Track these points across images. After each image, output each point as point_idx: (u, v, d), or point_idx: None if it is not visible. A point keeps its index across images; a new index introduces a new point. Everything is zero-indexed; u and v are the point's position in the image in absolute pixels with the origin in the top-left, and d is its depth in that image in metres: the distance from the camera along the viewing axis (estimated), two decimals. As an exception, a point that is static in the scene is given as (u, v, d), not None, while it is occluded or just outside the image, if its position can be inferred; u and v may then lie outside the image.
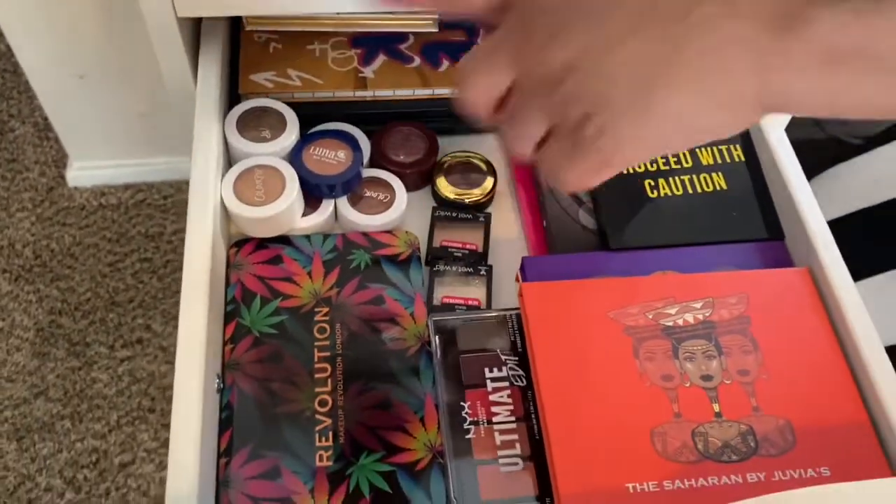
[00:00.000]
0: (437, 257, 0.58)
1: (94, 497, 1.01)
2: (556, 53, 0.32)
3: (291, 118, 0.60)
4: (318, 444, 0.49)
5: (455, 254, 0.59)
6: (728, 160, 0.61)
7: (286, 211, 0.55)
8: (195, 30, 0.61)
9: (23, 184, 1.24)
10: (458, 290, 0.57)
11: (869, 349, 0.50)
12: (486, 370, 0.52)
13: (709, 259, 0.56)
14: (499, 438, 0.49)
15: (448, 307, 0.56)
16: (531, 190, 0.61)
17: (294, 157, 0.58)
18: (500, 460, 0.49)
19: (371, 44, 0.65)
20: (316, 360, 0.52)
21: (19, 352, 1.10)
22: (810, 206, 0.57)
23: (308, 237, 0.57)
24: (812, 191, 0.58)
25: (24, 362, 1.09)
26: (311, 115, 0.61)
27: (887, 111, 0.31)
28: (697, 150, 0.61)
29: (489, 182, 0.62)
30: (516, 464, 0.49)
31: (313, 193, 0.58)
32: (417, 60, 0.64)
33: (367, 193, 0.60)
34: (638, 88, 0.31)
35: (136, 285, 1.16)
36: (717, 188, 0.59)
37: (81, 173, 1.22)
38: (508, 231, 0.61)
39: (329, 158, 0.59)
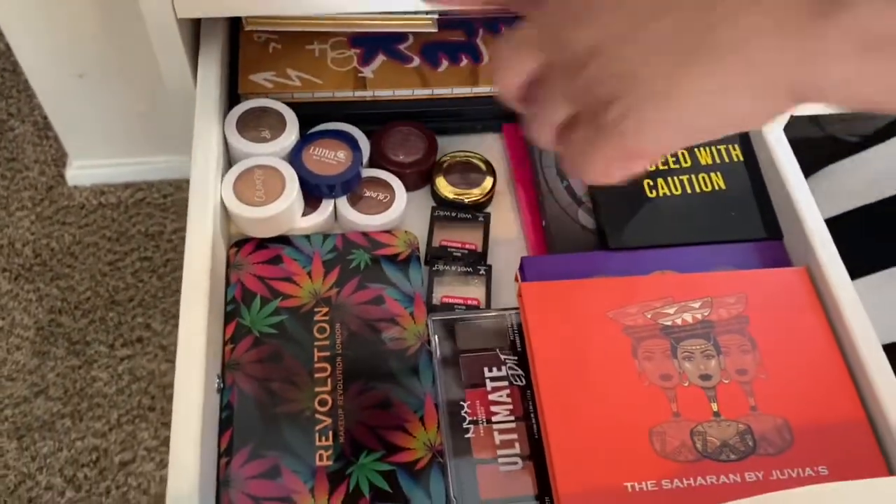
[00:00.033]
0: (437, 257, 0.58)
1: (94, 495, 1.01)
2: (580, 35, 0.31)
3: (291, 118, 0.60)
4: (318, 443, 0.49)
5: (454, 253, 0.59)
6: (727, 160, 0.61)
7: (286, 211, 0.55)
8: (195, 30, 0.61)
9: (22, 183, 1.24)
10: (457, 289, 0.57)
11: (867, 348, 0.50)
12: (486, 370, 0.52)
13: (707, 259, 0.56)
14: (498, 438, 0.49)
15: (447, 307, 0.56)
16: (530, 190, 0.62)
17: (294, 158, 0.58)
18: (500, 460, 0.49)
19: (370, 44, 0.65)
20: (316, 359, 0.52)
21: (19, 350, 1.10)
22: (808, 205, 0.57)
23: (308, 237, 0.58)
24: (809, 189, 0.58)
25: (24, 361, 1.09)
26: (311, 115, 0.61)
27: None
28: (696, 149, 0.61)
29: (488, 182, 0.62)
30: (515, 463, 0.49)
31: (313, 193, 0.58)
32: (417, 60, 0.64)
33: (367, 193, 0.60)
34: (664, 71, 0.30)
35: (136, 284, 1.16)
36: (716, 188, 0.59)
37: (81, 172, 1.22)
38: (508, 231, 0.61)
39: (329, 158, 0.59)
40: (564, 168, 0.35)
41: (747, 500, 0.34)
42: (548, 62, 0.33)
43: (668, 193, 0.59)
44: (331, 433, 0.49)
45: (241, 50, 0.64)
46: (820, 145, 1.12)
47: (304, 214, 0.58)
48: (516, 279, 0.54)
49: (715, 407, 0.48)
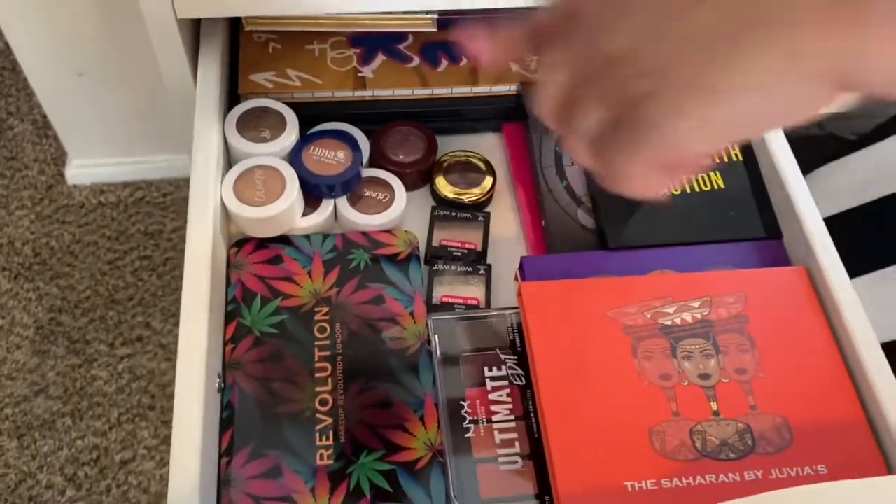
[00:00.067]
0: (437, 256, 0.58)
1: (94, 494, 1.01)
2: (613, 41, 0.30)
3: (291, 118, 0.60)
4: (318, 443, 0.49)
5: (454, 253, 0.59)
6: (726, 159, 0.61)
7: (286, 211, 0.55)
8: (195, 30, 0.61)
9: (22, 182, 1.24)
10: (457, 289, 0.57)
11: (866, 347, 0.50)
12: (486, 369, 0.52)
13: (707, 258, 0.56)
14: (498, 437, 0.50)
15: (447, 306, 0.56)
16: (530, 189, 0.62)
17: (294, 158, 0.58)
18: (500, 459, 0.49)
19: (370, 44, 0.65)
20: (316, 359, 0.52)
21: (19, 350, 1.10)
22: (807, 205, 0.57)
23: (308, 237, 0.58)
24: (809, 187, 0.58)
25: (24, 360, 1.09)
26: (311, 115, 0.61)
27: None
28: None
29: (488, 181, 0.62)
30: (515, 462, 0.49)
31: (313, 193, 0.58)
32: (416, 60, 0.64)
33: (367, 193, 0.60)
34: (701, 65, 0.29)
35: (136, 283, 1.16)
36: (716, 187, 0.59)
37: (80, 171, 1.22)
38: (507, 230, 0.62)
39: (329, 158, 0.59)
40: (604, 183, 0.34)
41: (747, 500, 0.34)
42: (579, 68, 0.32)
43: (668, 193, 0.59)
44: (331, 433, 0.49)
45: (241, 50, 0.64)
46: (819, 144, 1.12)
47: (304, 214, 0.58)
48: (516, 279, 0.54)
49: (714, 406, 0.49)
